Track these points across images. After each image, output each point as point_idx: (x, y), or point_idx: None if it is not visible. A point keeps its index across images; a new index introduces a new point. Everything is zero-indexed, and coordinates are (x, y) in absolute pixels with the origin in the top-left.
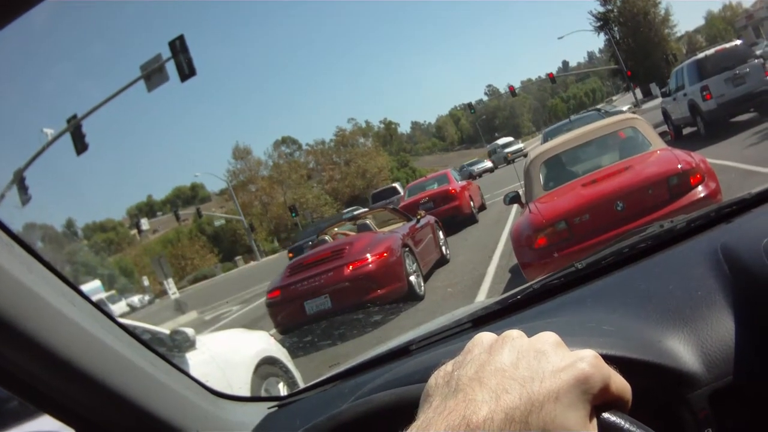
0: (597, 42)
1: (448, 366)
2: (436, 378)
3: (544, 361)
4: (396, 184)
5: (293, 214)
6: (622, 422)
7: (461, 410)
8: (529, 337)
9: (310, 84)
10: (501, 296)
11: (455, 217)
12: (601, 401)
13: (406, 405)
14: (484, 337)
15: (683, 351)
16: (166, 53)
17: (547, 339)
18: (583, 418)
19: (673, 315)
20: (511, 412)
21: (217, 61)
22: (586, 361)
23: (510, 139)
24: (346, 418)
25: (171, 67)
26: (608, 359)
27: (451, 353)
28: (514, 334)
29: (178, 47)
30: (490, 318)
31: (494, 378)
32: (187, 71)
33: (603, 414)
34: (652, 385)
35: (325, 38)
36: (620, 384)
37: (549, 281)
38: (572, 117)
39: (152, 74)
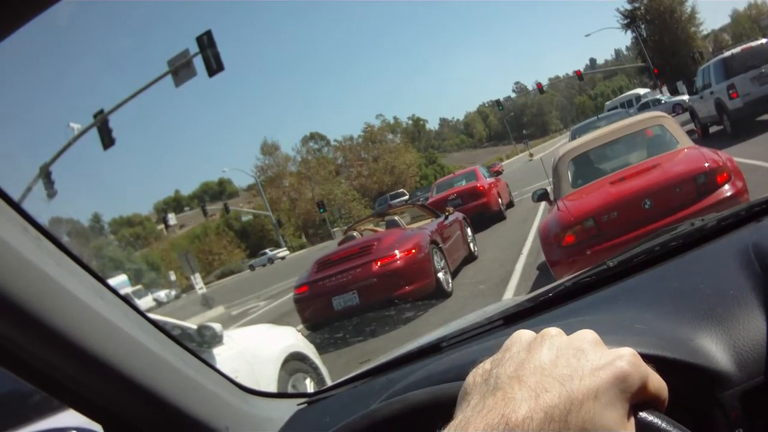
0: (624, 39)
1: (487, 364)
2: (475, 376)
3: (583, 359)
4: (402, 190)
5: (321, 210)
6: (659, 422)
7: (500, 409)
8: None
9: (338, 80)
10: (532, 293)
11: (483, 214)
12: (638, 400)
13: (443, 403)
14: (523, 335)
15: (715, 350)
16: (194, 48)
17: (586, 337)
18: (621, 417)
19: (705, 314)
20: (551, 411)
21: (245, 56)
22: (625, 359)
23: (647, 90)
24: (382, 416)
25: (198, 62)
26: (643, 358)
27: (484, 351)
28: (553, 332)
29: (206, 42)
30: (522, 315)
31: (533, 376)
32: (214, 66)
33: (640, 413)
34: (685, 384)
35: (354, 34)
36: (657, 383)
37: (580, 279)
38: (600, 115)
39: (180, 69)
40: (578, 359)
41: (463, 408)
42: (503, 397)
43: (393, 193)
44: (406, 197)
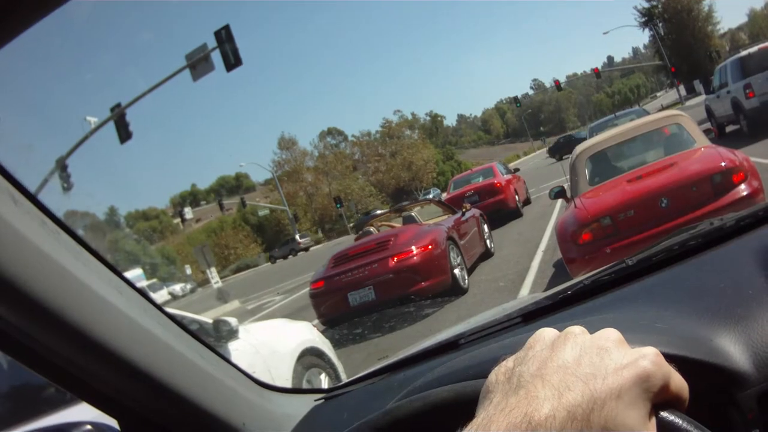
0: (642, 38)
1: (509, 362)
2: (497, 374)
3: (606, 358)
4: (297, 235)
5: (338, 205)
6: (681, 422)
7: (523, 407)
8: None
9: (357, 75)
10: (551, 291)
11: (500, 210)
12: (660, 399)
13: (465, 401)
14: (546, 333)
15: (734, 350)
16: (212, 43)
17: (610, 336)
18: (643, 417)
19: (724, 313)
20: (573, 410)
21: (263, 51)
22: (648, 358)
23: None
24: (403, 414)
25: (216, 57)
26: (664, 357)
27: (503, 348)
28: (576, 331)
29: (224, 37)
30: (541, 313)
31: (557, 375)
32: (232, 61)
33: (661, 413)
34: (703, 384)
35: (373, 30)
36: (679, 383)
37: (599, 277)
38: (617, 113)
39: (197, 63)
40: (601, 358)
41: (486, 406)
42: (526, 396)
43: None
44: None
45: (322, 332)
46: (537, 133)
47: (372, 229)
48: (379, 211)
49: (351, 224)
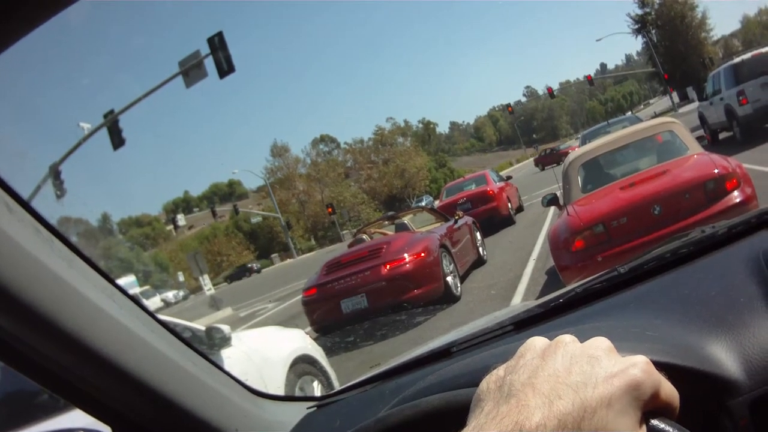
0: (635, 44)
1: (500, 370)
2: (488, 382)
3: (597, 366)
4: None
5: (332, 213)
6: (671, 429)
7: (514, 416)
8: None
9: (349, 82)
10: (543, 299)
11: (493, 218)
12: (650, 407)
13: (456, 409)
14: (537, 342)
15: (725, 358)
16: (205, 50)
17: (600, 344)
18: (633, 425)
19: (715, 321)
20: (564, 418)
21: (255, 58)
22: (639, 367)
23: None
24: (394, 422)
25: (209, 64)
26: (654, 365)
27: (494, 356)
28: (567, 339)
29: (217, 44)
30: (533, 321)
31: (547, 383)
32: (225, 68)
33: (652, 421)
34: (694, 391)
35: (366, 36)
36: (669, 391)
37: (591, 285)
38: (610, 120)
39: (190, 70)
40: (592, 367)
41: (477, 414)
42: (517, 404)
43: None
44: None
45: (315, 340)
46: (530, 140)
47: (365, 236)
48: (250, 265)
49: (344, 231)
